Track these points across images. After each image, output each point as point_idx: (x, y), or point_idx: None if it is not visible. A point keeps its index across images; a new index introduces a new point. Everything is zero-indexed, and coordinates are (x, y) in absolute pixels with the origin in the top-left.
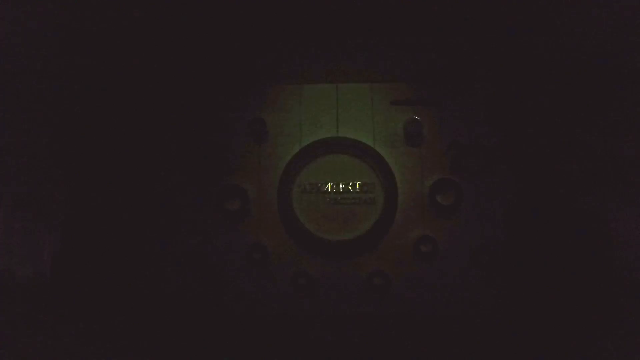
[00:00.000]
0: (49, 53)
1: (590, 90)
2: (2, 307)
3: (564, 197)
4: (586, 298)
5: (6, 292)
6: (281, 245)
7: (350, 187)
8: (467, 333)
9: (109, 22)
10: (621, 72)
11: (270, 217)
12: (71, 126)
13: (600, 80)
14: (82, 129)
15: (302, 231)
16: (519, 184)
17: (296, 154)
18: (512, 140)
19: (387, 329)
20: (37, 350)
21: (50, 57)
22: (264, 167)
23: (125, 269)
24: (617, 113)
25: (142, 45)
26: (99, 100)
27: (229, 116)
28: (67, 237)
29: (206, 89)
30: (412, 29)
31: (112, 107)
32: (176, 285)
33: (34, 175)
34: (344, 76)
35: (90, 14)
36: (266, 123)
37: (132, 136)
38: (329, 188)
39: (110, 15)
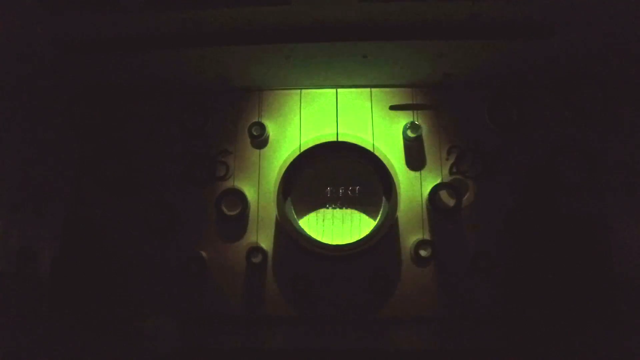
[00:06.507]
0: (50, 57)
1: (590, 94)
2: (1, 308)
3: (564, 201)
4: (586, 301)
5: (5, 293)
6: (280, 249)
7: (349, 191)
8: (467, 336)
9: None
10: (621, 76)
11: (270, 221)
12: (72, 129)
13: (600, 84)
14: (82, 132)
15: (301, 235)
16: (518, 188)
17: (296, 158)
18: (511, 144)
19: (387, 332)
20: (36, 349)
21: (51, 61)
22: (264, 171)
23: (125, 271)
24: (617, 117)
25: (141, 51)
26: (100, 103)
27: (229, 120)
28: (67, 239)
29: (205, 92)
30: (413, 34)
31: (114, 109)
32: (175, 287)
33: (35, 178)
34: (344, 81)
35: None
36: (266, 127)
37: (133, 139)
38: (329, 192)
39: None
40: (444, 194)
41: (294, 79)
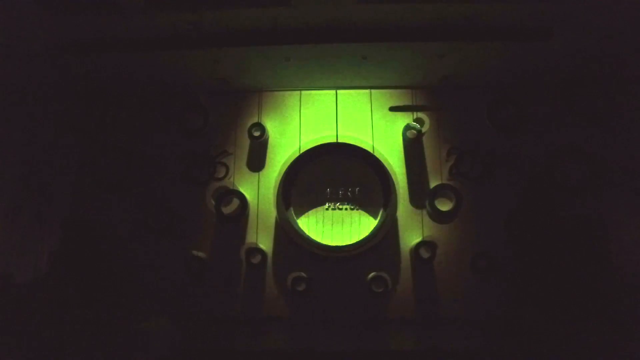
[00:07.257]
0: (50, 57)
1: (589, 96)
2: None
3: (563, 202)
4: (586, 301)
5: (4, 296)
6: (280, 250)
7: (349, 192)
8: (467, 337)
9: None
10: (620, 78)
11: (269, 221)
12: (72, 129)
13: (599, 86)
14: (82, 132)
15: (301, 236)
16: (518, 190)
17: (296, 159)
18: (511, 146)
19: (387, 333)
20: (36, 349)
21: (51, 62)
22: (264, 172)
23: (125, 271)
24: (615, 119)
25: (141, 52)
26: (100, 104)
27: (229, 121)
28: (65, 241)
29: (205, 93)
30: (413, 36)
31: (114, 110)
32: (175, 287)
33: (34, 178)
34: (343, 82)
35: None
36: (266, 128)
37: (133, 139)
38: (329, 193)
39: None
40: (443, 195)
41: (294, 80)
